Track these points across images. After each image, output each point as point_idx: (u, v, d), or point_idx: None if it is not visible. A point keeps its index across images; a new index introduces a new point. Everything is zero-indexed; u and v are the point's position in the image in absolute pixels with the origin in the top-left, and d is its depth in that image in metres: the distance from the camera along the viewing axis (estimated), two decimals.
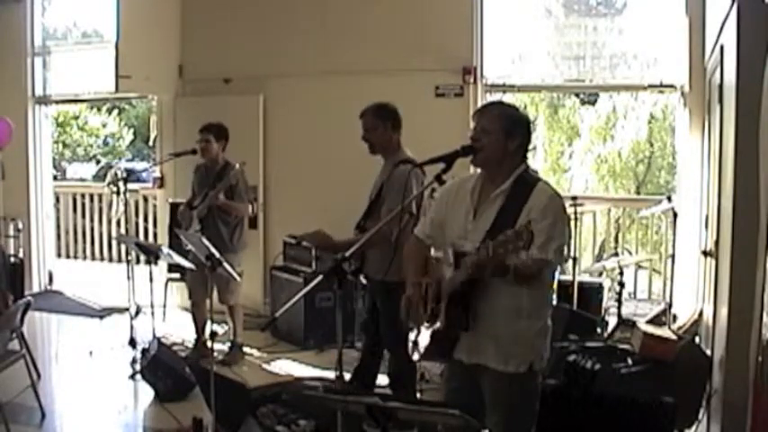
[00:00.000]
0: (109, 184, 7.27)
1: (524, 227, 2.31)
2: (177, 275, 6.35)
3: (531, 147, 2.81)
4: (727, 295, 3.20)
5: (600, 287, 5.54)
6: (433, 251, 3.02)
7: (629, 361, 3.66)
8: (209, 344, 3.98)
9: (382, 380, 4.45)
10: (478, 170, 2.83)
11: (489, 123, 2.70)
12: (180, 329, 6.05)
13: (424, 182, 3.80)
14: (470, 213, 2.72)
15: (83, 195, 8.78)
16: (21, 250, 7.55)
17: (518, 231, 2.30)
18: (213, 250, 3.98)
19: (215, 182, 5.26)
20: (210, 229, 5.13)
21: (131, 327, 5.35)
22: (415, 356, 4.32)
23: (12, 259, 6.54)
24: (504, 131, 2.68)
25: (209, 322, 4.47)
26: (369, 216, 4.09)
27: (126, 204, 7.01)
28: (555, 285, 3.03)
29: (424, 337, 2.86)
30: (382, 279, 3.79)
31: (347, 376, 4.07)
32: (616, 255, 5.63)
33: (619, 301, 5.21)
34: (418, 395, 4.58)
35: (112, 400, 4.71)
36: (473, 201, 2.74)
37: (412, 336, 4.43)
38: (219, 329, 5.57)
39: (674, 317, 5.26)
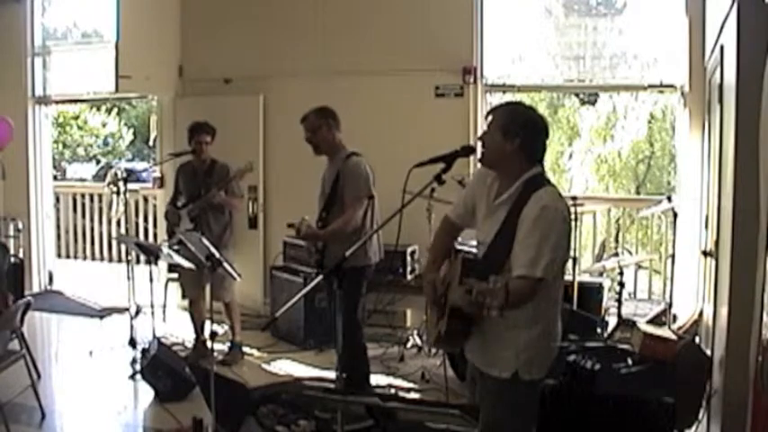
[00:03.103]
0: (109, 184, 7.26)
1: (501, 286, 2.28)
2: (177, 275, 6.35)
3: (541, 150, 2.69)
4: (727, 295, 3.20)
5: (600, 287, 5.54)
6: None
7: (629, 361, 3.66)
8: (208, 344, 3.99)
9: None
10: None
11: (490, 123, 2.68)
12: (180, 329, 6.06)
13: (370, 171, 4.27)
14: (485, 211, 2.72)
15: (83, 195, 8.79)
16: (21, 250, 7.55)
17: (495, 290, 2.27)
18: (213, 250, 3.98)
19: (206, 180, 5.32)
20: (203, 227, 5.19)
21: (131, 327, 5.35)
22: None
23: (12, 259, 6.55)
24: (502, 131, 2.62)
25: (208, 322, 4.47)
26: (329, 210, 4.27)
27: (126, 204, 7.01)
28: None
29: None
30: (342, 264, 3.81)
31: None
32: (616, 255, 5.61)
33: (619, 301, 5.20)
34: (418, 395, 4.59)
35: (112, 400, 4.71)
36: (489, 198, 2.72)
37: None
38: (219, 329, 5.58)
39: (674, 317, 5.25)
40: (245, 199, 6.27)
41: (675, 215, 5.27)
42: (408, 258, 5.87)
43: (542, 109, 12.16)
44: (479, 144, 2.72)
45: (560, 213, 2.57)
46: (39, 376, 4.80)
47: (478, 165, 2.81)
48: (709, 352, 3.92)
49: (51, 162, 8.53)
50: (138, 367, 4.94)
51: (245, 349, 5.61)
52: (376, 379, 4.57)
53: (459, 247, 3.08)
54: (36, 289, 7.68)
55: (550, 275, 2.51)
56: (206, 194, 5.26)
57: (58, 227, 8.49)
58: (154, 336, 5.07)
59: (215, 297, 5.25)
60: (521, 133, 2.62)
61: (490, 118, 2.71)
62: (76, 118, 15.31)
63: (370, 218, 4.24)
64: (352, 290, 4.14)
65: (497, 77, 6.33)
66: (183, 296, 5.65)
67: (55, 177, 9.57)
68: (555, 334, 2.72)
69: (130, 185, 6.56)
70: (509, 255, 2.57)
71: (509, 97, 6.41)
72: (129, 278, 5.46)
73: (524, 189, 2.61)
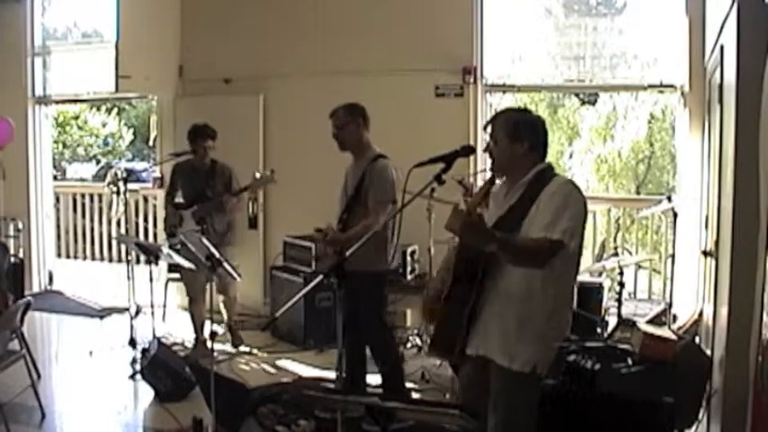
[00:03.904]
0: (109, 184, 7.26)
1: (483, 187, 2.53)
2: (177, 275, 6.35)
3: (545, 146, 2.80)
4: (727, 295, 3.20)
5: (600, 287, 5.54)
6: None
7: (629, 361, 3.65)
8: (208, 343, 3.99)
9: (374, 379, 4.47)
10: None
11: (495, 132, 2.77)
12: (180, 329, 6.06)
13: (399, 175, 4.12)
14: (495, 211, 2.79)
15: (83, 195, 8.77)
16: (21, 250, 7.55)
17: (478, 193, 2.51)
18: (213, 250, 3.98)
19: (209, 181, 5.39)
20: (208, 228, 5.25)
21: (131, 327, 5.35)
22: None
23: (12, 259, 6.54)
24: (509, 137, 2.73)
25: (207, 322, 4.47)
26: (350, 211, 4.20)
27: (126, 204, 7.01)
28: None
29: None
30: (363, 270, 3.80)
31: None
32: (616, 255, 5.62)
33: (619, 301, 5.20)
34: (417, 395, 4.59)
35: (112, 400, 4.71)
36: (497, 202, 2.82)
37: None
38: (219, 329, 5.59)
39: (674, 317, 5.25)
40: (246, 199, 6.29)
41: (675, 215, 5.27)
42: (408, 258, 5.87)
43: (542, 109, 12.21)
44: (487, 156, 2.80)
45: (577, 191, 2.69)
46: (39, 376, 4.80)
47: (488, 172, 2.88)
48: (709, 352, 3.92)
49: (51, 162, 8.53)
50: (138, 367, 4.94)
51: (246, 348, 5.62)
52: (376, 379, 4.56)
53: None
54: (36, 289, 7.68)
55: (570, 243, 2.57)
56: (214, 197, 5.33)
57: (58, 227, 8.48)
58: (154, 336, 5.07)
59: (222, 290, 5.31)
60: (527, 135, 2.74)
61: (490, 129, 2.80)
62: (76, 118, 15.29)
63: (391, 224, 4.15)
64: (375, 296, 4.14)
65: (497, 77, 6.33)
66: (189, 293, 5.62)
67: (55, 177, 9.56)
68: (564, 333, 2.75)
69: (130, 185, 6.55)
70: (520, 225, 2.63)
71: (509, 97, 6.43)
72: (129, 278, 5.46)
73: (536, 178, 2.71)
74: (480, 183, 5.50)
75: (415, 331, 5.85)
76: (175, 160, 5.67)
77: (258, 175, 5.23)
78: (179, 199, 5.55)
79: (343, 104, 4.33)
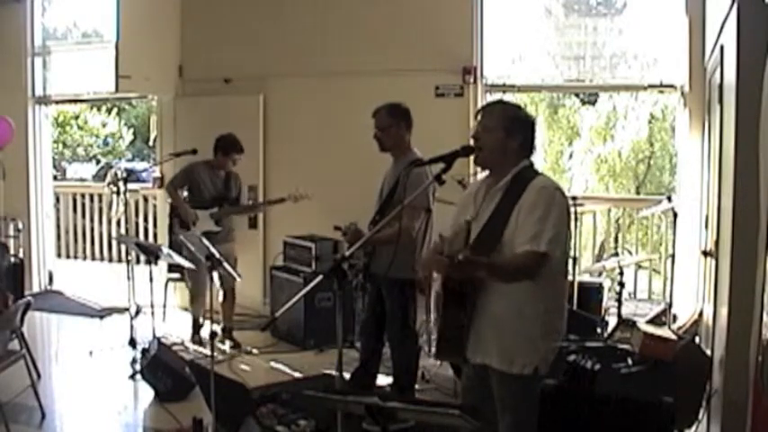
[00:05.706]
0: (109, 184, 7.27)
1: (460, 226, 2.38)
2: (177, 275, 6.35)
3: (534, 145, 2.77)
4: (727, 295, 3.20)
5: (600, 287, 5.54)
6: None
7: (629, 361, 3.66)
8: (205, 341, 3.98)
9: (381, 380, 4.47)
10: (484, 172, 2.84)
11: (490, 122, 2.71)
12: (180, 329, 6.05)
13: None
14: (473, 215, 2.73)
15: (83, 195, 8.78)
16: (21, 250, 7.55)
17: (456, 234, 2.35)
18: (213, 250, 3.99)
19: (226, 188, 5.70)
20: (223, 225, 5.67)
21: (131, 327, 5.34)
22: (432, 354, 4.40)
23: (12, 259, 6.54)
24: (505, 130, 2.68)
25: (207, 322, 4.48)
26: (383, 214, 4.12)
27: (126, 204, 7.01)
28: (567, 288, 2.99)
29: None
30: (388, 275, 3.78)
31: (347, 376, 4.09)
32: (616, 255, 5.62)
33: (619, 301, 5.21)
34: (417, 395, 4.60)
35: (112, 400, 4.71)
36: (476, 204, 2.76)
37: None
38: (217, 329, 5.59)
39: (674, 317, 5.26)
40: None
41: (675, 215, 5.28)
42: None
43: (542, 109, 12.20)
44: (473, 144, 2.73)
45: (558, 192, 2.64)
46: (39, 376, 4.80)
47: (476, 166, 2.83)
48: (709, 352, 3.92)
49: (51, 162, 8.53)
50: (138, 367, 4.94)
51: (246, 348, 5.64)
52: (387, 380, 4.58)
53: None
54: (36, 289, 7.67)
55: (556, 252, 2.55)
56: (235, 201, 5.75)
57: (58, 227, 8.48)
58: (154, 336, 5.06)
59: (229, 286, 5.54)
60: (522, 131, 2.71)
61: (486, 119, 2.73)
62: (76, 118, 15.31)
63: (423, 232, 4.08)
64: (401, 302, 4.12)
65: (497, 77, 6.33)
66: (198, 288, 5.69)
67: (55, 177, 9.57)
68: (561, 332, 2.74)
69: (130, 185, 6.56)
70: (502, 235, 2.59)
71: (509, 97, 6.41)
72: (129, 278, 5.46)
73: (515, 178, 2.67)
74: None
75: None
76: (177, 158, 5.71)
77: (297, 192, 5.50)
78: (192, 199, 5.71)
79: (387, 104, 4.25)
